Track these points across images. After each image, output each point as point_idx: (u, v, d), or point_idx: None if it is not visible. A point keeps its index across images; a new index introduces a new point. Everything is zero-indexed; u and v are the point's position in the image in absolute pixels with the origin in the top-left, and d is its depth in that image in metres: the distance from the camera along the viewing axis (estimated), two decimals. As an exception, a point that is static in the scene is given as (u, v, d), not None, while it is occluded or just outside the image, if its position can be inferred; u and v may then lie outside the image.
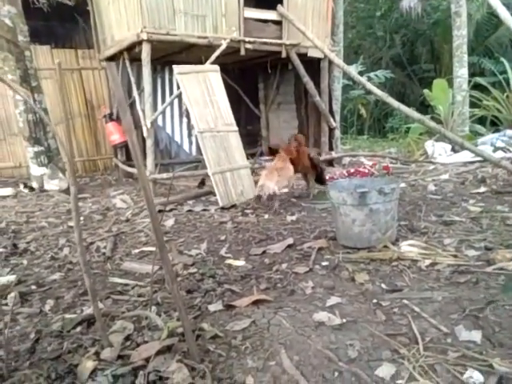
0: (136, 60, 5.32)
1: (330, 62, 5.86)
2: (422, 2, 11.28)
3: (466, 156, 5.71)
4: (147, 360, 1.54)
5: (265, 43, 5.35)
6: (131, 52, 5.17)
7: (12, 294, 2.16)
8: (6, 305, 2.09)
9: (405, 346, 1.57)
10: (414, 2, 11.18)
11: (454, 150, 6.30)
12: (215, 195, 4.24)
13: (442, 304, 1.88)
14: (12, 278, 2.43)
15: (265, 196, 3.77)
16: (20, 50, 4.87)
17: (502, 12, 4.38)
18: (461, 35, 7.20)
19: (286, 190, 4.15)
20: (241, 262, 2.59)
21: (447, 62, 10.91)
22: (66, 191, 5.11)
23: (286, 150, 4.14)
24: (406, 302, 1.91)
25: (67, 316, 1.97)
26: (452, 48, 7.50)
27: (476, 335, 1.59)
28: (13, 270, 2.67)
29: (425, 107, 10.10)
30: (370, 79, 10.82)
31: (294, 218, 3.55)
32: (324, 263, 2.47)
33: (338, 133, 6.87)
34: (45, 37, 6.74)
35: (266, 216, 3.70)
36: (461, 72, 7.27)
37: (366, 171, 5.15)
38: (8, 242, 3.15)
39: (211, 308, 1.98)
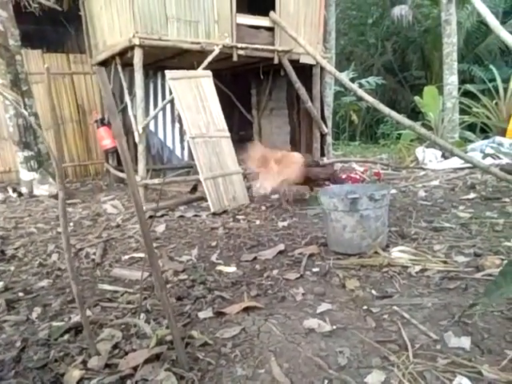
0: (128, 65, 5.31)
1: (322, 69, 5.90)
2: (412, 10, 11.44)
3: (455, 162, 5.76)
4: (135, 369, 1.52)
5: (257, 49, 5.38)
6: (123, 57, 5.16)
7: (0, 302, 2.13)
8: (-8, 312, 2.06)
9: (394, 352, 1.57)
10: (404, 10, 11.33)
11: (444, 157, 6.36)
12: (207, 201, 4.23)
13: (431, 310, 1.88)
14: (0, 284, 2.39)
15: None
16: (11, 54, 4.84)
17: (491, 20, 4.46)
18: (451, 43, 7.30)
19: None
20: (232, 269, 2.58)
21: (437, 69, 11.05)
22: (56, 196, 5.05)
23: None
24: (396, 308, 1.92)
25: (54, 324, 1.94)
26: (442, 55, 7.60)
27: (465, 342, 1.60)
28: (0, 276, 2.63)
29: (416, 114, 10.21)
30: (361, 86, 10.92)
31: (285, 223, 3.55)
32: (315, 269, 2.47)
33: (329, 139, 6.91)
34: (36, 41, 6.71)
35: (258, 222, 3.70)
36: (451, 79, 7.36)
37: (358, 177, 5.17)
38: (-5, 248, 3.11)
39: (201, 315, 1.97)
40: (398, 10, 11.34)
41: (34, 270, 2.74)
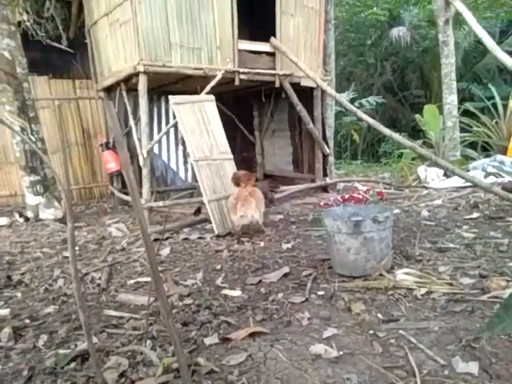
0: (133, 90, 5.42)
1: (323, 91, 6.00)
2: (410, 31, 11.66)
3: (458, 181, 5.78)
4: (142, 398, 1.52)
5: (258, 73, 5.49)
6: (128, 83, 5.28)
7: (5, 330, 2.13)
8: (0, 341, 2.06)
9: (402, 379, 1.56)
10: (402, 32, 11.55)
11: (446, 175, 6.38)
12: (211, 223, 4.25)
13: (438, 334, 1.88)
14: (6, 311, 2.40)
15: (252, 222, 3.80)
16: (18, 82, 4.96)
17: (488, 42, 4.56)
18: (449, 63, 7.42)
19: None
20: (237, 292, 2.58)
21: (437, 87, 11.18)
22: (61, 220, 5.10)
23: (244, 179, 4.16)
24: (402, 332, 1.91)
25: (61, 351, 1.95)
26: (441, 75, 7.72)
27: (473, 367, 1.59)
28: (6, 303, 2.64)
29: (417, 132, 10.28)
30: (362, 105, 11.06)
31: (289, 245, 3.56)
32: (320, 292, 2.47)
33: (331, 159, 6.96)
34: (43, 67, 6.87)
35: (262, 244, 3.71)
36: (450, 99, 7.45)
37: (361, 197, 5.19)
38: (2, 274, 3.12)
39: (207, 341, 1.97)
40: (396, 32, 11.57)
41: (40, 295, 2.75)
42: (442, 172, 6.43)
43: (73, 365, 1.82)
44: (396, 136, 3.87)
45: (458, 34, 10.40)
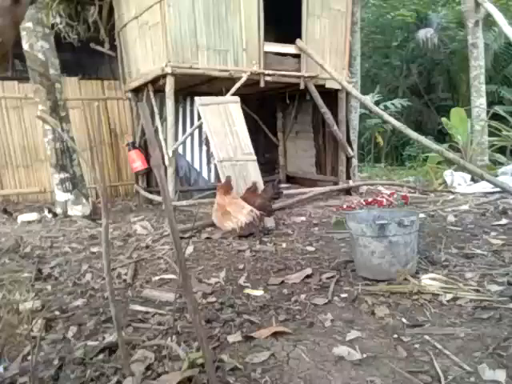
0: (159, 91, 5.54)
1: (348, 93, 5.97)
2: (438, 33, 11.45)
3: (486, 186, 5.64)
4: (168, 391, 1.56)
5: (284, 75, 5.52)
6: (155, 84, 5.39)
7: (39, 321, 2.22)
8: (32, 330, 2.15)
9: (427, 384, 1.55)
10: (430, 33, 11.35)
11: (473, 180, 6.23)
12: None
13: (464, 341, 1.85)
14: (37, 303, 2.50)
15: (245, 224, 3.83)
16: (51, 83, 5.13)
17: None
18: (478, 66, 7.25)
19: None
20: (259, 292, 2.60)
21: (464, 90, 10.93)
22: (89, 217, 5.25)
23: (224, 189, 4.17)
24: (427, 337, 1.89)
25: (89, 343, 2.01)
26: (469, 77, 7.55)
27: (500, 375, 1.56)
28: (37, 295, 2.74)
29: (443, 135, 10.09)
30: (386, 108, 10.92)
31: (311, 247, 3.56)
32: (343, 295, 2.46)
33: (355, 161, 6.90)
34: (73, 68, 7.09)
35: (284, 245, 3.72)
36: (479, 102, 7.28)
37: (384, 201, 5.14)
38: (33, 267, 3.24)
39: (230, 339, 2.00)
40: (424, 33, 11.38)
41: (69, 289, 2.85)
42: (469, 177, 6.29)
43: (101, 356, 1.88)
44: (423, 139, 3.82)
45: (488, 35, 10.14)
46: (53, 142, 5.18)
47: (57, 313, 2.43)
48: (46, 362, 1.89)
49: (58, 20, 6.29)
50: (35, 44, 5.05)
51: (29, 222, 5.16)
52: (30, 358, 1.88)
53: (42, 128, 5.29)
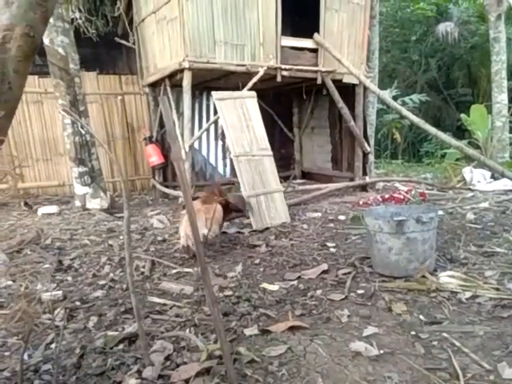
0: (176, 86, 5.57)
1: (365, 88, 5.91)
2: (458, 27, 11.22)
3: (506, 184, 5.53)
4: (187, 381, 1.58)
5: (301, 70, 5.49)
6: (172, 79, 5.42)
7: (61, 311, 2.28)
8: (54, 320, 2.20)
9: (445, 381, 1.54)
10: (450, 27, 11.13)
11: (493, 177, 6.11)
12: (249, 218, 4.30)
13: (483, 339, 1.83)
14: (59, 293, 2.56)
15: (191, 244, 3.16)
16: (71, 77, 5.21)
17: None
18: (500, 60, 7.08)
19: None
20: (275, 287, 2.62)
21: (485, 86, 10.71)
22: (107, 210, 5.33)
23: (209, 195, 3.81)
24: (445, 335, 1.88)
25: (110, 333, 2.06)
26: (490, 73, 7.38)
27: (521, 374, 1.55)
28: (58, 285, 2.81)
29: (461, 131, 9.89)
30: (404, 103, 10.76)
31: (327, 243, 3.55)
32: (360, 291, 2.46)
33: (372, 157, 6.83)
34: (92, 63, 7.18)
35: (300, 240, 3.72)
36: (500, 98, 7.12)
37: (402, 197, 5.08)
38: (54, 259, 3.32)
39: (247, 332, 2.02)
40: (443, 27, 11.17)
41: (88, 280, 2.91)
42: (489, 174, 6.16)
43: (121, 346, 1.92)
44: (442, 135, 3.76)
45: (510, 29, 9.89)
46: (72, 135, 5.26)
47: (78, 303, 2.49)
48: (69, 350, 1.94)
49: (77, 15, 6.36)
50: (55, 39, 5.12)
51: (49, 215, 5.27)
52: (52, 346, 1.95)
53: (62, 122, 5.37)
